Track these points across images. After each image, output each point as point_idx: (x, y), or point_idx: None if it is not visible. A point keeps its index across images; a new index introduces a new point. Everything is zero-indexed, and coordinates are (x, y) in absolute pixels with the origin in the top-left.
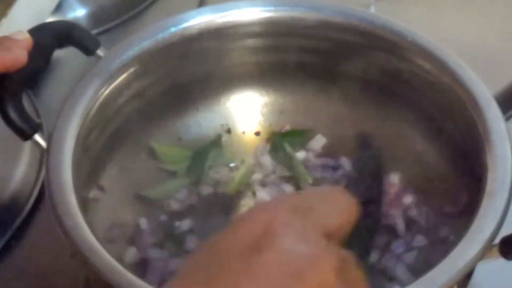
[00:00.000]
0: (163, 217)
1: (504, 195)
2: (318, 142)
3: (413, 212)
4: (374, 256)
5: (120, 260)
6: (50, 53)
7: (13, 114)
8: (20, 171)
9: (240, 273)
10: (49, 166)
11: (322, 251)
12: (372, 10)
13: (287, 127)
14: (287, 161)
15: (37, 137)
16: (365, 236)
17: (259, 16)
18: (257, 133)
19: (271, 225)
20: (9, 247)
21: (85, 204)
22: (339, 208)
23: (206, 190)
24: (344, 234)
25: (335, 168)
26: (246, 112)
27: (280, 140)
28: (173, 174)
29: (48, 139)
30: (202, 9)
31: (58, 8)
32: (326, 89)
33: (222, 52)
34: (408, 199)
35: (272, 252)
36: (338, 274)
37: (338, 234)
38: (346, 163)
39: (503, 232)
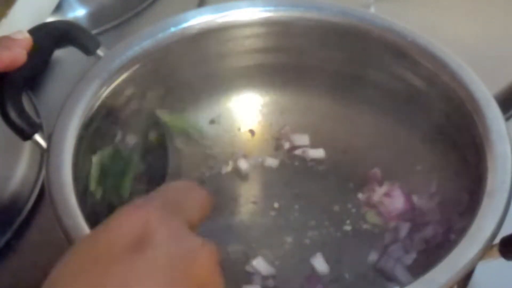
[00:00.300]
0: None
1: (504, 195)
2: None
3: (413, 216)
4: (373, 257)
5: None
6: (50, 53)
7: (13, 114)
8: (20, 171)
9: (126, 275)
10: (49, 166)
11: (199, 244)
12: (372, 10)
13: (287, 128)
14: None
15: (37, 137)
16: None
17: (259, 16)
18: (253, 132)
19: (149, 224)
20: (9, 247)
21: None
22: (198, 202)
23: None
24: (200, 223)
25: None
26: (246, 112)
27: None
28: None
29: (48, 139)
30: (202, 9)
31: (58, 8)
32: (327, 90)
33: (222, 52)
34: (408, 202)
35: (154, 250)
36: (215, 264)
37: (198, 224)
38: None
39: (503, 232)
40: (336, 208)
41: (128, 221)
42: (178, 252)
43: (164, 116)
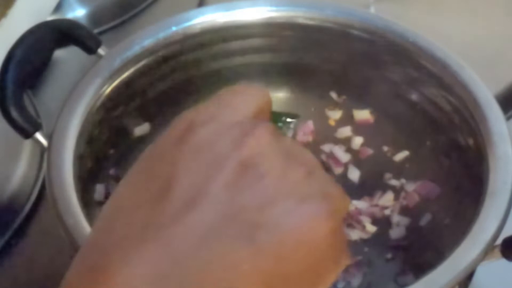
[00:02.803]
0: None
1: (506, 196)
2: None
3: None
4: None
5: None
6: (51, 52)
7: (14, 113)
8: (20, 171)
9: (177, 156)
10: (50, 164)
11: (250, 124)
12: (372, 10)
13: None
14: None
15: (38, 136)
16: None
17: (260, 16)
18: None
19: (195, 118)
20: (9, 247)
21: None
22: (250, 96)
23: None
24: (265, 116)
25: None
26: None
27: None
28: None
29: (49, 138)
30: (203, 9)
31: (58, 8)
32: (328, 90)
33: (223, 51)
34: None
35: (203, 132)
36: (273, 136)
37: (258, 116)
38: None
39: (505, 233)
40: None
41: (180, 119)
42: (227, 131)
43: None
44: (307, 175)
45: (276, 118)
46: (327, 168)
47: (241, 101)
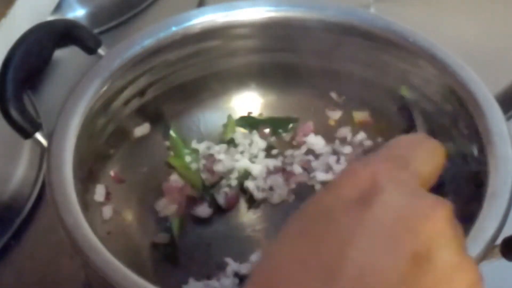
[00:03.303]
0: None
1: (506, 196)
2: None
3: None
4: None
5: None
6: (50, 52)
7: (14, 113)
8: (20, 171)
9: (351, 228)
10: (50, 164)
11: (432, 202)
12: (372, 10)
13: None
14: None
15: (38, 136)
16: None
17: (260, 16)
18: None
19: (376, 179)
20: (9, 247)
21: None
22: (430, 153)
23: None
24: (435, 178)
25: None
26: (246, 112)
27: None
28: None
29: (49, 138)
30: (203, 9)
31: (57, 8)
32: (328, 90)
33: (223, 51)
34: None
35: (382, 206)
36: (449, 223)
37: (430, 180)
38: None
39: (505, 233)
40: None
41: (354, 177)
42: (407, 209)
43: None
44: (469, 286)
45: (276, 124)
46: (328, 168)
47: (422, 159)
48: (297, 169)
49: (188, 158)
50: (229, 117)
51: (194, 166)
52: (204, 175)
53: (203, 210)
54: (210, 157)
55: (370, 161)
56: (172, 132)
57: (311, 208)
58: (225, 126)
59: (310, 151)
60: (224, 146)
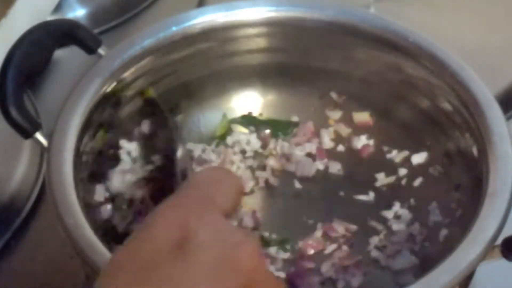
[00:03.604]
0: None
1: (506, 196)
2: None
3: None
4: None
5: None
6: (51, 52)
7: (14, 113)
8: (20, 171)
9: (178, 277)
10: (50, 164)
11: (241, 238)
12: (372, 10)
13: None
14: None
15: (38, 136)
16: None
17: (260, 16)
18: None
19: (188, 224)
20: (9, 247)
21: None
22: (231, 189)
23: None
24: (235, 210)
25: None
26: (246, 112)
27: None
28: None
29: (49, 137)
30: (203, 9)
31: (57, 8)
32: (328, 90)
33: (223, 51)
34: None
35: (200, 251)
36: (259, 256)
37: (232, 212)
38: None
39: (505, 233)
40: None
41: (166, 224)
42: (222, 249)
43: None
44: None
45: (276, 126)
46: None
47: (226, 196)
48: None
49: None
50: (224, 116)
51: None
52: None
53: None
54: (204, 162)
55: (178, 205)
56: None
57: (134, 258)
58: (219, 124)
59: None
60: (216, 149)
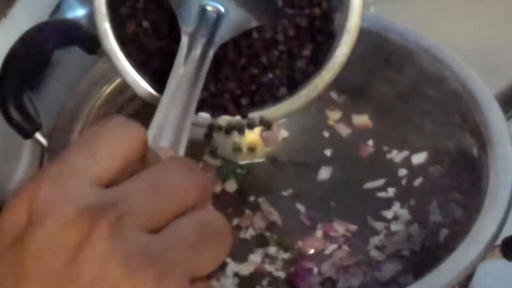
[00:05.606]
0: None
1: (506, 196)
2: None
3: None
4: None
5: None
6: (51, 52)
7: (14, 113)
8: (20, 171)
9: (17, 274)
10: None
11: (85, 227)
12: (372, 10)
13: (285, 134)
14: None
15: (38, 136)
16: None
17: None
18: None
19: (33, 210)
20: None
21: None
22: (116, 145)
23: None
24: (136, 162)
25: None
26: None
27: None
28: None
29: (49, 137)
30: None
31: (57, 9)
32: (328, 90)
33: None
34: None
35: (37, 242)
36: (112, 244)
37: (126, 172)
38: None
39: (505, 233)
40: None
41: (10, 212)
42: (62, 238)
43: None
44: None
45: None
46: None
47: (107, 157)
48: None
49: None
50: None
51: None
52: None
53: None
54: None
55: (28, 187)
56: None
57: None
58: None
59: None
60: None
